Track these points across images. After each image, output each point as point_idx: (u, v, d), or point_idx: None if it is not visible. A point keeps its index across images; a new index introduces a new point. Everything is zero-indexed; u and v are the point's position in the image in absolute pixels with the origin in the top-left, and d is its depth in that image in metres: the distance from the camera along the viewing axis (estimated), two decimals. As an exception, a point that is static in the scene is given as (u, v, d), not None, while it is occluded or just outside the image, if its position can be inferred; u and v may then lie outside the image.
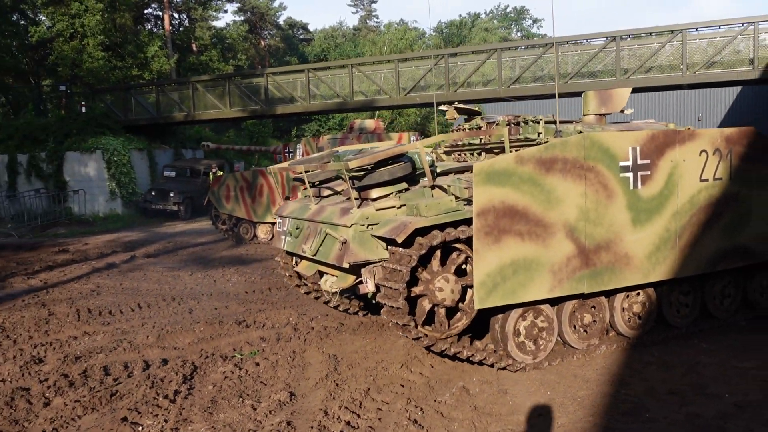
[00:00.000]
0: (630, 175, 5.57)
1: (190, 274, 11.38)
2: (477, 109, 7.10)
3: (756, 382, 5.12)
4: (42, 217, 20.05)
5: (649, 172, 5.65)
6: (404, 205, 5.54)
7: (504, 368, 5.57)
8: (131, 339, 7.18)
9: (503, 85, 18.16)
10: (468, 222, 5.12)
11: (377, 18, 66.29)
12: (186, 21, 46.37)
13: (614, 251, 5.55)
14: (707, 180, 5.97)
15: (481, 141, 6.86)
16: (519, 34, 66.47)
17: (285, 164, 6.93)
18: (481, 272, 5.01)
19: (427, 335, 5.34)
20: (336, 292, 6.25)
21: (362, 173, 5.73)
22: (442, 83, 18.84)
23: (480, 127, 6.86)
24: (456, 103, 7.17)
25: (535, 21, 68.53)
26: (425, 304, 5.35)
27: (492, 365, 5.58)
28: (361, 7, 66.15)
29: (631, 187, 5.57)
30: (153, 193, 21.24)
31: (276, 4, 55.23)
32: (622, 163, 5.52)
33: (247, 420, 4.86)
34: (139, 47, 34.98)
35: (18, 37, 34.39)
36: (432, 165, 6.35)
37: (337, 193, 6.56)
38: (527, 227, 5.13)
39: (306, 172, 6.54)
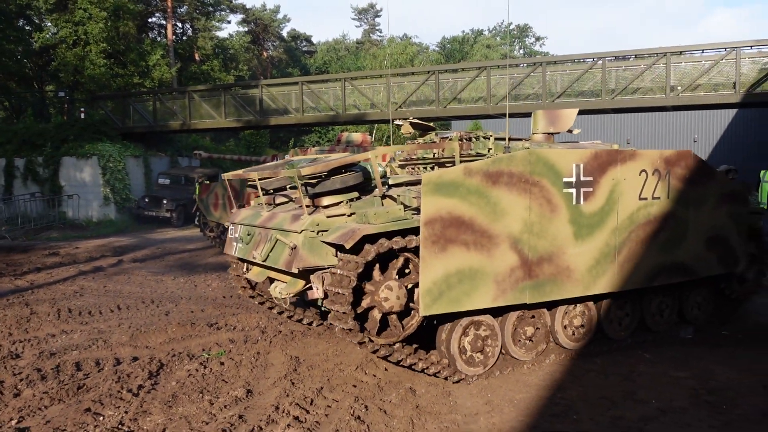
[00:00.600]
0: (573, 190, 5.79)
1: (173, 278, 11.70)
2: (431, 125, 7.35)
3: (685, 390, 5.42)
4: (36, 221, 20.41)
5: (591, 189, 5.89)
6: (354, 213, 5.69)
7: (457, 381, 5.77)
8: (106, 338, 7.49)
9: (492, 102, 18.54)
10: (416, 231, 5.28)
11: (380, 32, 66.89)
12: (189, 30, 47.01)
13: (556, 263, 5.74)
14: (646, 198, 6.22)
15: (434, 155, 7.11)
16: (521, 51, 67.07)
17: (239, 171, 7.03)
18: (427, 280, 5.17)
19: (372, 340, 5.48)
20: (285, 298, 6.39)
21: (315, 181, 5.90)
22: (443, 98, 19.23)
23: (435, 142, 7.10)
24: (410, 117, 7.34)
25: (537, 39, 69.16)
26: (376, 314, 5.50)
27: (436, 375, 5.75)
28: (365, 21, 66.90)
29: (574, 203, 5.79)
30: (146, 200, 21.60)
31: (280, 16, 55.87)
32: (566, 179, 5.74)
33: (202, 413, 5.16)
34: (141, 55, 35.48)
35: (22, 43, 34.86)
36: (385, 177, 6.55)
37: (290, 200, 6.74)
38: (473, 237, 5.31)
39: (260, 179, 6.68)
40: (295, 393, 5.55)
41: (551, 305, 6.16)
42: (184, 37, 45.39)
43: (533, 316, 6.15)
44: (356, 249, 5.26)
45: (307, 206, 5.93)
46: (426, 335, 5.94)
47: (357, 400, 5.33)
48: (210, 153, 21.02)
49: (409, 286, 5.53)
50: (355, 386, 5.73)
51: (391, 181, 6.58)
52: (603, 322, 6.55)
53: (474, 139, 6.73)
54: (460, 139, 6.75)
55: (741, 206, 7.09)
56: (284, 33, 59.26)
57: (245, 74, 46.69)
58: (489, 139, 6.60)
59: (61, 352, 6.96)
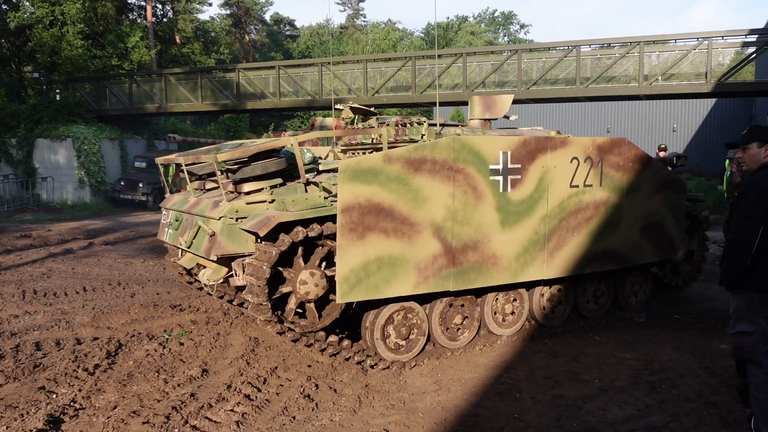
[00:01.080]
0: (500, 178, 5.75)
1: (143, 261, 11.72)
2: (372, 110, 7.31)
3: (627, 371, 5.59)
4: (10, 203, 20.26)
5: (519, 176, 5.86)
6: (275, 200, 5.64)
7: (373, 366, 5.74)
8: (69, 319, 7.53)
9: (468, 89, 18.63)
10: (335, 218, 5.21)
11: (365, 17, 66.64)
12: (170, 12, 46.48)
13: (482, 251, 5.72)
14: (578, 186, 6.22)
15: (372, 141, 7.13)
16: (506, 38, 67.07)
17: (171, 156, 6.85)
18: (344, 267, 5.12)
19: (292, 329, 5.49)
20: (213, 285, 6.31)
21: (237, 167, 5.80)
22: (420, 84, 19.27)
23: (372, 128, 7.04)
24: (351, 102, 7.36)
25: (522, 26, 69.22)
26: (292, 302, 5.50)
27: (360, 363, 5.76)
28: (349, 5, 66.51)
29: (501, 190, 5.76)
30: (122, 183, 21.51)
31: (263, 0, 55.40)
32: (492, 167, 5.69)
33: (155, 391, 5.24)
34: (120, 37, 35.05)
35: (-4, 23, 34.21)
36: (315, 162, 6.46)
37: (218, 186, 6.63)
38: (393, 225, 5.26)
39: (186, 165, 6.53)
40: (249, 372, 5.65)
41: (480, 293, 6.16)
42: (165, 19, 44.88)
43: (463, 305, 6.16)
44: (274, 237, 5.26)
45: (231, 192, 5.83)
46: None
47: (309, 380, 5.44)
48: (185, 137, 20.92)
49: (331, 274, 5.49)
50: (309, 366, 5.84)
51: (321, 167, 6.52)
52: (534, 309, 6.61)
53: (408, 125, 6.69)
54: (397, 125, 6.73)
55: (678, 194, 7.13)
56: (267, 17, 58.86)
57: (227, 58, 46.31)
58: (422, 125, 6.55)
59: (22, 333, 6.99)
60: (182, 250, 6.88)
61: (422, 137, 6.48)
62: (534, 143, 5.94)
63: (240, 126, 33.61)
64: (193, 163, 6.70)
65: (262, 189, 5.77)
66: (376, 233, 5.18)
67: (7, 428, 4.55)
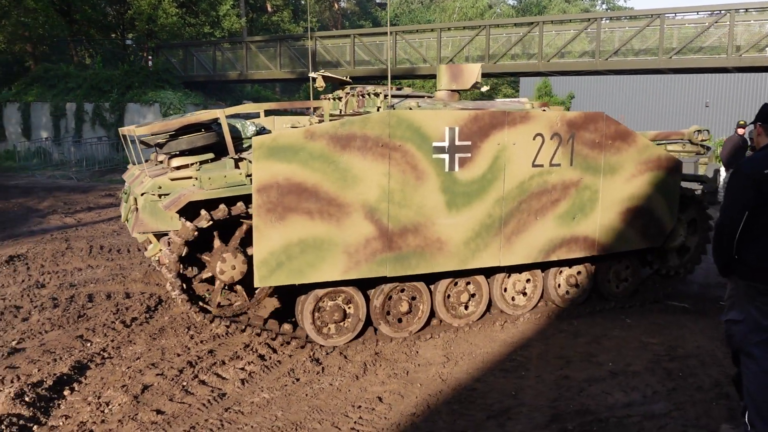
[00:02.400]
0: (445, 156, 5.29)
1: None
2: (346, 78, 6.99)
3: (647, 356, 5.40)
4: (102, 164, 21.58)
5: (469, 155, 5.37)
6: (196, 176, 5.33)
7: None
8: (126, 274, 8.03)
9: (544, 59, 18.04)
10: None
11: (456, -16, 65.10)
12: (262, -19, 47.37)
13: (424, 235, 5.33)
14: (542, 165, 5.70)
15: (340, 112, 6.70)
16: (604, 6, 64.01)
17: (130, 126, 6.36)
18: (262, 250, 4.85)
19: (204, 312, 5.33)
20: (156, 260, 6.11)
21: (165, 141, 5.51)
22: (494, 54, 18.86)
23: (341, 98, 6.79)
24: (323, 71, 6.88)
25: (621, -6, 65.69)
26: (217, 285, 5.34)
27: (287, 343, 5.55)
28: (441, -29, 65.29)
29: (447, 170, 5.30)
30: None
31: (353, -33, 55.38)
32: (435, 144, 5.24)
33: (179, 346, 5.56)
34: (212, 5, 36.17)
35: (101, -9, 36.03)
36: (264, 133, 5.96)
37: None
38: (318, 206, 4.93)
39: (138, 136, 6.11)
40: (270, 335, 5.86)
41: (430, 279, 5.82)
42: (256, -13, 45.63)
43: (402, 290, 5.83)
44: (192, 215, 5.05)
45: (164, 167, 5.63)
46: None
47: (323, 346, 5.59)
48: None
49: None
50: (329, 331, 5.99)
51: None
52: (494, 296, 6.21)
53: (367, 96, 6.31)
54: (357, 96, 6.41)
55: (670, 175, 6.40)
56: (357, -16, 58.81)
57: (314, 26, 46.83)
58: (379, 96, 6.15)
59: (81, 285, 7.54)
60: None
61: (378, 110, 6.00)
62: (488, 118, 5.41)
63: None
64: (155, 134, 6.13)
65: (190, 165, 5.43)
66: (297, 214, 4.87)
67: (38, 371, 4.98)
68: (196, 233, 5.03)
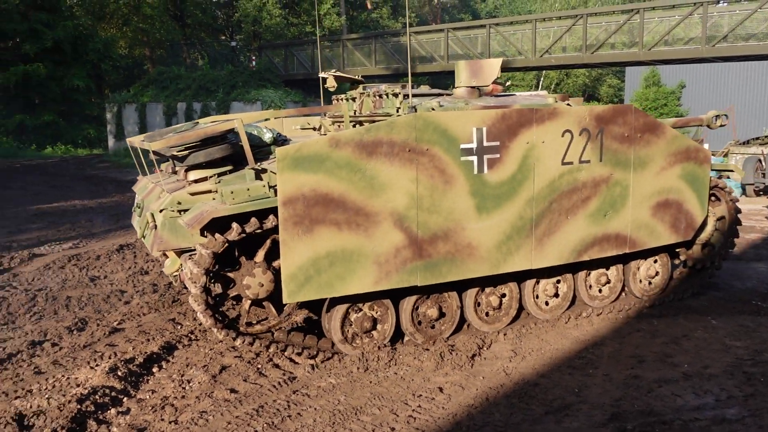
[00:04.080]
0: (474, 158, 5.08)
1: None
2: (358, 78, 6.78)
3: (728, 359, 5.16)
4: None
5: (498, 155, 5.18)
6: (218, 190, 5.06)
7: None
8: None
9: (645, 47, 17.27)
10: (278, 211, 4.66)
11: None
12: (362, -22, 48.15)
13: (454, 241, 5.12)
14: (571, 163, 5.49)
15: (354, 113, 6.43)
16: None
17: (137, 138, 6.15)
18: (290, 265, 4.64)
19: (248, 333, 5.11)
20: (176, 277, 5.99)
21: (184, 153, 5.26)
22: (590, 44, 18.28)
23: (355, 98, 6.52)
24: (334, 71, 6.72)
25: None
26: (245, 304, 5.13)
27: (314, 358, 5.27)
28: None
29: (476, 172, 5.10)
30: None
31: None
32: (463, 146, 5.03)
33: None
34: (314, 5, 37.31)
35: (210, -5, 37.95)
36: (277, 142, 5.83)
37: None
38: (345, 216, 4.72)
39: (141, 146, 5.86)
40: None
41: (461, 287, 5.61)
42: (356, -15, 46.44)
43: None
44: (215, 230, 4.77)
45: (180, 180, 5.43)
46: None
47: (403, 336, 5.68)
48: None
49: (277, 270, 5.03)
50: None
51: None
52: (526, 302, 6.01)
53: (385, 97, 6.06)
54: (374, 96, 6.15)
55: (699, 165, 6.17)
56: (457, -23, 58.49)
57: (413, 21, 47.06)
58: (397, 96, 5.92)
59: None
60: None
61: (397, 111, 5.84)
62: (515, 116, 5.21)
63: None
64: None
65: (207, 177, 5.27)
66: (325, 226, 4.68)
67: (133, 349, 5.45)
68: (225, 247, 4.76)
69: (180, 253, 5.45)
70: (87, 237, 10.38)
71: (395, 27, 40.40)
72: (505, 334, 5.79)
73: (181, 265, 5.49)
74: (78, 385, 4.68)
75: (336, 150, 4.62)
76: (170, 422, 4.20)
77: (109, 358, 5.23)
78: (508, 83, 45.69)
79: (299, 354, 5.18)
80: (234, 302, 5.83)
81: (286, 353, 5.19)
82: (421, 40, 22.29)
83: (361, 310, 5.32)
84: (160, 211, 5.15)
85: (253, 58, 27.59)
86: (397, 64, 22.68)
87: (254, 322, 5.53)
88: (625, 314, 6.29)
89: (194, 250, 5.13)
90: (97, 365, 5.04)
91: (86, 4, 32.58)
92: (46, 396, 4.52)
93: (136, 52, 39.98)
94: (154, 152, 5.37)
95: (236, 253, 4.97)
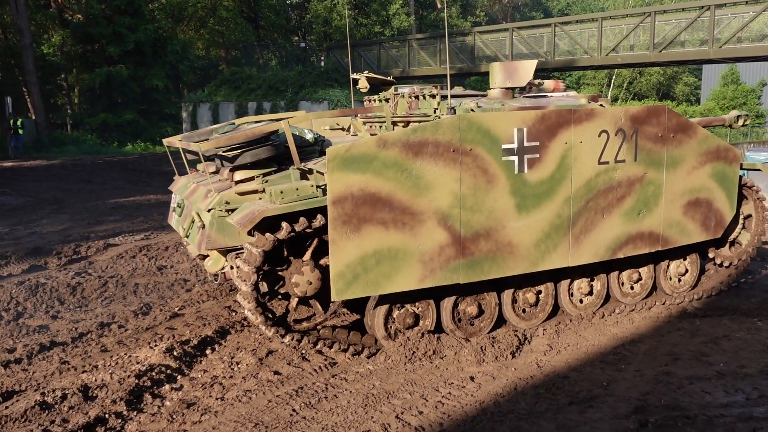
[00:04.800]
0: (515, 158, 5.20)
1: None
2: (390, 79, 6.82)
3: (766, 360, 5.13)
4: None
5: (538, 155, 5.29)
6: (265, 189, 5.19)
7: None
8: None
9: (715, 44, 16.73)
10: (326, 210, 4.76)
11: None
12: (431, -22, 48.30)
13: (495, 239, 5.23)
14: (607, 162, 5.60)
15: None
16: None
17: (173, 138, 6.33)
18: (339, 263, 4.74)
19: (296, 330, 5.27)
20: (217, 275, 6.08)
21: (232, 153, 5.41)
22: (659, 42, 17.83)
23: (388, 99, 6.56)
24: (367, 72, 6.79)
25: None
26: (293, 301, 5.28)
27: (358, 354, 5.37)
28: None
29: (516, 172, 5.22)
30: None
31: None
32: (505, 146, 5.14)
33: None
34: (383, 5, 37.84)
35: (282, -2, 39.01)
36: (318, 142, 6.00)
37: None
38: (392, 215, 4.83)
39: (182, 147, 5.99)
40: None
41: (499, 287, 5.75)
42: (426, -15, 46.62)
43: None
44: (265, 230, 4.91)
45: (225, 179, 5.60)
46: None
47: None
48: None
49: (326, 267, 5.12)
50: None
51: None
52: (561, 301, 6.14)
53: (421, 98, 6.17)
54: (410, 97, 6.25)
55: (729, 164, 6.27)
56: (528, -25, 57.81)
57: (482, 20, 46.87)
58: (435, 97, 6.05)
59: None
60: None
61: (435, 112, 6.01)
62: (554, 117, 5.30)
63: (486, 87, 34.21)
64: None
65: (253, 177, 5.42)
66: (373, 225, 4.79)
67: (190, 332, 5.89)
68: (275, 245, 4.91)
69: (225, 252, 5.62)
70: (158, 229, 11.04)
71: (464, 26, 40.35)
72: (544, 330, 5.91)
73: (226, 263, 5.71)
74: (138, 363, 5.13)
75: (383, 150, 4.73)
76: (217, 399, 4.58)
77: (168, 339, 5.68)
78: (577, 82, 44.88)
79: (345, 351, 5.33)
80: (279, 300, 6.01)
81: (332, 350, 5.33)
82: (486, 39, 22.28)
83: (403, 306, 5.49)
84: (208, 210, 5.28)
85: (322, 58, 28.24)
86: (461, 63, 22.77)
87: (301, 319, 5.77)
88: (659, 311, 6.34)
89: (240, 249, 5.32)
90: (156, 345, 5.50)
91: (166, 8, 34.17)
92: (110, 371, 4.99)
93: (213, 53, 41.59)
94: (189, 152, 5.60)
95: (285, 252, 5.14)
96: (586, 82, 45.06)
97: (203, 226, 5.35)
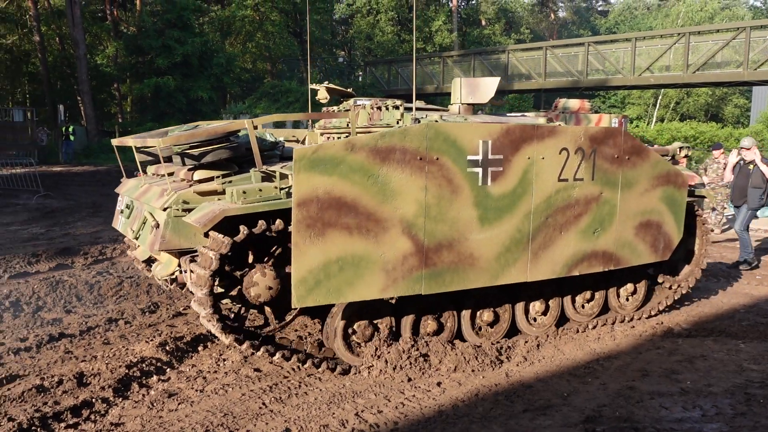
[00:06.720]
0: (479, 170, 5.20)
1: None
2: (349, 90, 6.91)
3: (738, 381, 5.17)
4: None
5: (501, 168, 5.31)
6: (225, 190, 5.08)
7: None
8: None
9: (750, 67, 16.51)
10: (289, 213, 4.66)
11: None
12: (477, -4, 48.61)
13: (458, 251, 5.21)
14: (567, 180, 5.68)
15: (347, 125, 6.38)
16: None
17: (125, 138, 6.25)
18: (301, 268, 4.63)
19: (237, 346, 5.07)
20: (166, 280, 5.99)
21: (198, 150, 5.29)
22: (693, 63, 17.67)
23: (348, 110, 6.46)
24: (326, 83, 6.89)
25: None
26: (243, 307, 5.20)
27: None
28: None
29: (480, 183, 5.22)
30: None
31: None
32: (470, 157, 5.14)
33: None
34: (426, 22, 38.28)
35: (327, 14, 39.97)
36: (277, 147, 6.00)
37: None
38: (356, 221, 4.75)
39: (137, 148, 6.05)
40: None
41: (459, 303, 5.83)
42: (471, 2, 46.94)
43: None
44: (224, 231, 4.79)
45: (182, 180, 5.49)
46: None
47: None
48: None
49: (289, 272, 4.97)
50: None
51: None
52: (517, 316, 6.23)
53: (384, 109, 6.20)
54: (372, 108, 6.23)
55: (678, 189, 6.44)
56: (577, -6, 57.60)
57: (526, 38, 46.86)
58: (398, 108, 6.14)
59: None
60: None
61: (397, 123, 6.07)
62: (519, 132, 5.38)
63: (524, 105, 34.17)
64: (146, 147, 6.17)
65: (215, 177, 5.32)
66: (337, 230, 4.70)
67: (187, 330, 6.27)
68: (230, 249, 4.73)
69: (178, 255, 5.50)
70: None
71: (507, 44, 40.47)
72: (526, 341, 6.08)
73: (179, 267, 5.60)
74: (132, 355, 5.52)
75: (351, 153, 4.68)
76: (197, 390, 4.92)
77: (164, 335, 6.06)
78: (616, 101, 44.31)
79: (303, 363, 5.26)
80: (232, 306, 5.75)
81: (289, 362, 5.23)
82: (520, 57, 22.42)
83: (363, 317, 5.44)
84: (164, 209, 5.14)
85: (360, 73, 28.79)
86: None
87: (261, 326, 5.58)
88: (644, 329, 6.52)
89: (195, 251, 5.22)
90: (152, 340, 5.88)
91: (214, 22, 35.32)
92: (106, 361, 5.38)
93: (259, 66, 42.70)
94: (144, 152, 5.78)
95: (250, 257, 5.11)
96: (631, 101, 44.50)
97: (157, 226, 5.25)
